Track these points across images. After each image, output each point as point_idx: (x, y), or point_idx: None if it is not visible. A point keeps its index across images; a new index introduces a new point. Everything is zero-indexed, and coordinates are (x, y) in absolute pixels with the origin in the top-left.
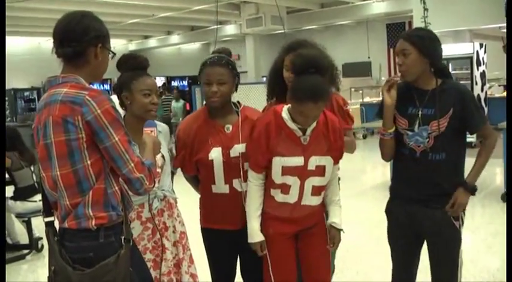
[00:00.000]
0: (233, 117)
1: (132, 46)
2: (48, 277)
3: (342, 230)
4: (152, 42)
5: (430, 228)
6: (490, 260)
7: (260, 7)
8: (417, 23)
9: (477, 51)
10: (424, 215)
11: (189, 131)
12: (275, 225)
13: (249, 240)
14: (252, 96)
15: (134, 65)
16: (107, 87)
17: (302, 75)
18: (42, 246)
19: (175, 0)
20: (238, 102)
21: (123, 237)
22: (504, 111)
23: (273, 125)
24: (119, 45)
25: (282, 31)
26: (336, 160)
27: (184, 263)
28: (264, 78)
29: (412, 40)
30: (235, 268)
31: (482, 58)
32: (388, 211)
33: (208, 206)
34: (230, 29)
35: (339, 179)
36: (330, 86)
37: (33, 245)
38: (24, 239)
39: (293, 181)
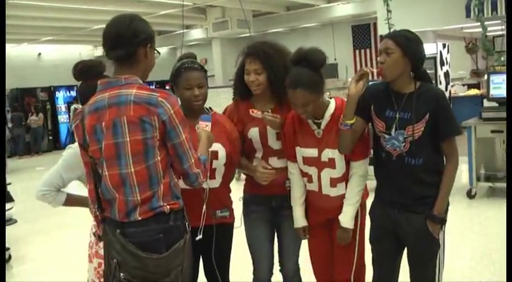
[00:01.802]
0: None
1: (98, 52)
2: (105, 271)
3: (347, 228)
4: None
5: (409, 232)
6: (458, 258)
7: (226, 11)
8: (381, 25)
9: (440, 51)
10: (403, 219)
11: None
12: (310, 214)
13: (294, 226)
14: (220, 100)
15: (99, 71)
16: (73, 93)
17: (293, 67)
18: (10, 256)
19: (142, 5)
20: (210, 108)
21: (186, 222)
22: (468, 109)
23: (296, 118)
24: (85, 51)
25: (249, 34)
26: (350, 155)
27: None
28: (232, 82)
29: (397, 40)
30: (198, 267)
31: (446, 58)
32: (371, 213)
33: None
34: (197, 33)
35: None
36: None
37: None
38: None
39: (312, 171)
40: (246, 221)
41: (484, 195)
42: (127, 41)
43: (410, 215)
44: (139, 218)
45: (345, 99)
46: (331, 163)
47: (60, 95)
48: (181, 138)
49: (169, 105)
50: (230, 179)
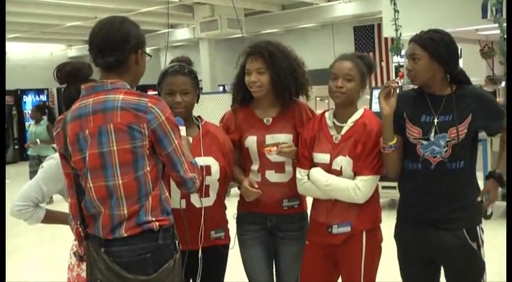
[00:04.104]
0: (194, 131)
1: (72, 52)
2: None
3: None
4: None
5: (444, 254)
6: None
7: (215, 9)
8: (387, 26)
9: None
10: (436, 238)
11: None
12: (310, 229)
13: None
14: (206, 108)
15: (88, 75)
16: (43, 97)
17: None
18: None
19: (122, 1)
20: (199, 116)
21: (177, 241)
22: None
23: (317, 122)
24: (57, 50)
25: (240, 35)
26: (358, 168)
27: None
28: (221, 88)
29: (423, 43)
30: None
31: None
32: (397, 236)
33: None
34: (183, 33)
35: None
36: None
37: None
38: None
39: None
40: (240, 242)
41: (501, 215)
42: (116, 47)
43: (440, 232)
44: (125, 235)
45: (371, 111)
46: (342, 172)
47: (28, 100)
48: (173, 145)
49: (160, 111)
50: (224, 196)
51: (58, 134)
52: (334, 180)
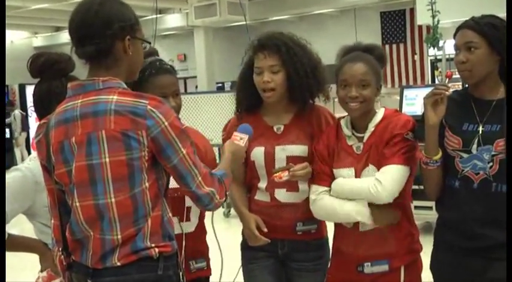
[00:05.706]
0: None
1: (38, 41)
2: None
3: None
4: (65, 36)
5: None
6: None
7: None
8: (422, 11)
9: None
10: (484, 271)
11: None
12: (335, 268)
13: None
14: (202, 110)
15: (66, 69)
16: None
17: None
18: None
19: None
20: None
21: (181, 272)
22: None
23: (333, 132)
24: (19, 39)
25: (243, 23)
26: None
27: None
28: (219, 86)
29: (482, 29)
30: None
31: None
32: (435, 265)
33: None
34: (174, 20)
35: None
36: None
37: None
38: None
39: None
40: (244, 272)
41: None
42: (96, 33)
43: (488, 262)
44: (118, 264)
45: (394, 109)
46: None
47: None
48: (180, 154)
49: (162, 116)
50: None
51: (40, 142)
52: (351, 181)
